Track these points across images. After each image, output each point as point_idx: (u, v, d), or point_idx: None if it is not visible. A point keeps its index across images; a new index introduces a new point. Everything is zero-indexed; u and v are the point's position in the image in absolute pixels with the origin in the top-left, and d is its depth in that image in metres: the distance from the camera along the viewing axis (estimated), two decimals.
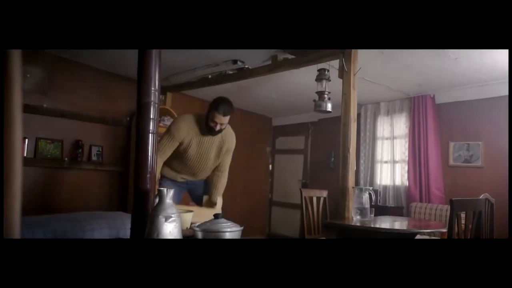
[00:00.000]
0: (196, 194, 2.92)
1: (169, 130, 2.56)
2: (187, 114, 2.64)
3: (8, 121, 0.71)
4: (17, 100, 0.74)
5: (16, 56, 0.78)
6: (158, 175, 2.51)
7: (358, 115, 5.03)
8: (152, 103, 1.72)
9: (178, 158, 2.64)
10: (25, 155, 3.54)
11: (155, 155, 1.76)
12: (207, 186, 2.87)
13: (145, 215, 1.65)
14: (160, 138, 2.51)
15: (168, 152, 2.55)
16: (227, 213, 1.96)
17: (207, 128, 2.54)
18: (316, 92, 3.42)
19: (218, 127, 2.53)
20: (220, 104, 2.48)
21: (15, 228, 0.73)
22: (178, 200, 2.74)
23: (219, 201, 2.78)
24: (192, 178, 2.79)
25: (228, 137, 2.71)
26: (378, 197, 4.84)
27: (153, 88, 1.72)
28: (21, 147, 0.76)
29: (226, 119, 2.52)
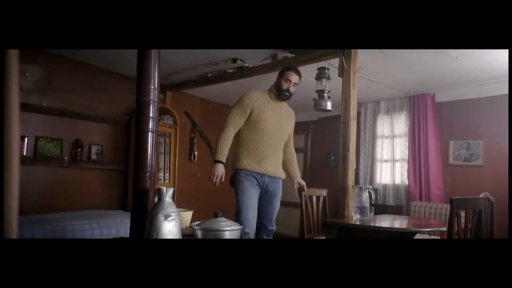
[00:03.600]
0: (270, 201, 2.60)
1: (238, 100, 2.57)
2: (255, 90, 2.67)
3: (5, 122, 0.71)
4: (14, 100, 0.74)
5: (13, 55, 0.77)
6: (226, 148, 2.44)
7: (358, 113, 5.02)
8: (151, 101, 1.72)
9: (254, 133, 2.51)
10: (24, 153, 3.54)
11: (154, 154, 1.75)
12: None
13: (144, 213, 1.65)
14: (230, 111, 2.54)
15: (239, 121, 2.50)
16: (228, 212, 1.96)
17: (278, 92, 2.60)
18: (316, 91, 3.42)
19: (291, 88, 2.59)
20: (292, 66, 2.65)
21: (13, 228, 0.72)
22: (255, 220, 2.49)
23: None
24: (271, 155, 2.57)
25: (292, 111, 2.79)
26: (378, 196, 4.84)
27: (152, 87, 1.71)
28: (18, 148, 0.76)
29: (297, 79, 2.61)
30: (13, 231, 0.73)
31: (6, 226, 0.73)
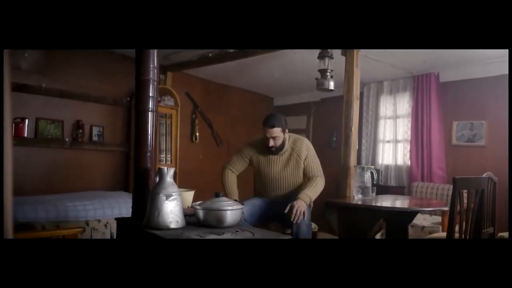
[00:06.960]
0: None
1: (242, 146, 2.75)
2: (257, 136, 2.69)
3: None
4: (6, 90, 0.71)
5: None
6: (233, 187, 2.68)
7: (361, 94, 4.93)
8: (151, 80, 1.69)
9: (259, 179, 2.71)
10: (25, 135, 3.53)
11: (155, 134, 1.74)
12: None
13: (146, 193, 1.65)
14: (234, 154, 2.77)
15: (237, 165, 2.69)
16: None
17: (267, 148, 2.53)
18: (319, 70, 3.37)
19: (271, 143, 2.46)
20: (266, 118, 2.48)
21: (9, 228, 0.71)
22: (253, 218, 2.48)
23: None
24: (279, 194, 2.62)
25: (297, 146, 2.57)
26: (380, 176, 4.84)
27: (152, 65, 1.68)
28: (11, 133, 0.74)
29: (276, 131, 2.42)
30: (9, 232, 0.72)
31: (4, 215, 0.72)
